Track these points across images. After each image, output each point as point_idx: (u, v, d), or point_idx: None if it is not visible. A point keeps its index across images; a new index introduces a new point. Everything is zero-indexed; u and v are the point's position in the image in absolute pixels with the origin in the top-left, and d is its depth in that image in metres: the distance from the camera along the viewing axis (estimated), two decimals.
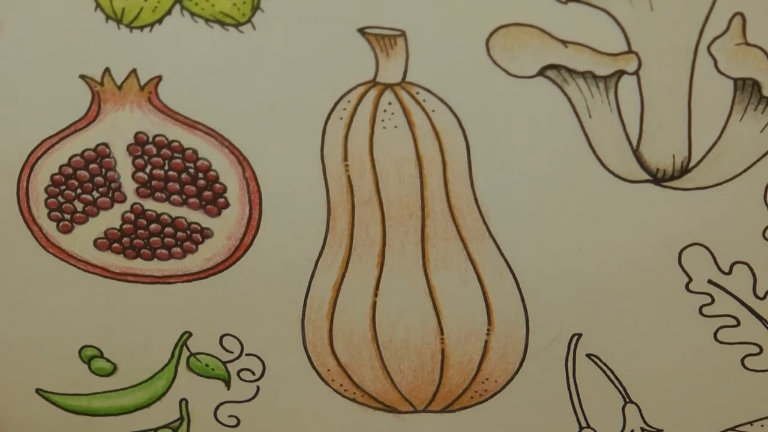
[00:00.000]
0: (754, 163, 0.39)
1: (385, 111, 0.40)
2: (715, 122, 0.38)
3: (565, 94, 0.39)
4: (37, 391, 0.46)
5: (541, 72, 0.38)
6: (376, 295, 0.43)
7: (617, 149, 0.39)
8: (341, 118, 0.40)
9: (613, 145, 0.39)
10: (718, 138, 0.39)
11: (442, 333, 0.44)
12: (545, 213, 0.41)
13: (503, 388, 0.44)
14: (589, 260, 0.42)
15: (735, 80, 0.37)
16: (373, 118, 0.40)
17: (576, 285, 0.42)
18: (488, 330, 0.43)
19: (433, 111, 0.40)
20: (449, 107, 0.40)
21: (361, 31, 0.38)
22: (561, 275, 0.42)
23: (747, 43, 0.37)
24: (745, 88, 0.37)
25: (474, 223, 0.42)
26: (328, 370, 0.45)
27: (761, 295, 0.41)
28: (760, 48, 0.37)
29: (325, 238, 0.42)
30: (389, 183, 0.41)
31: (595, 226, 0.41)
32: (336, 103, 0.40)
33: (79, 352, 0.45)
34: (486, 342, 0.44)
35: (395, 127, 0.40)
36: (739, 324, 0.42)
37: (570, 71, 0.38)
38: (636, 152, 0.39)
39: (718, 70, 0.37)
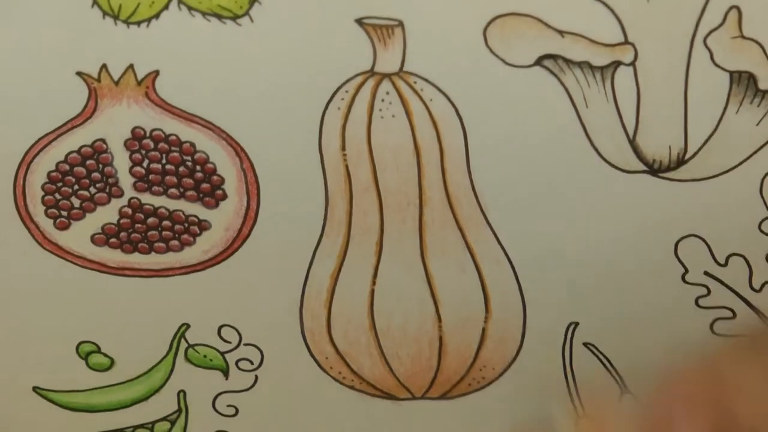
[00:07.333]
0: (750, 155, 0.41)
1: (382, 101, 0.42)
2: (711, 114, 0.40)
3: (562, 84, 0.40)
4: (34, 389, 0.47)
5: (538, 62, 0.40)
6: (374, 283, 0.45)
7: (613, 139, 0.41)
8: (339, 108, 0.42)
9: (610, 135, 0.41)
10: (714, 130, 0.41)
11: (439, 320, 0.46)
12: (542, 201, 0.43)
13: (501, 375, 0.46)
14: (585, 249, 0.43)
15: (731, 73, 0.39)
16: (370, 107, 0.42)
17: (573, 274, 0.44)
18: (486, 317, 0.46)
19: (431, 100, 0.42)
20: (447, 96, 0.42)
21: (359, 21, 0.40)
22: (558, 264, 0.44)
23: (743, 37, 0.39)
24: (741, 81, 0.39)
25: (472, 211, 0.44)
26: (326, 357, 0.47)
27: (757, 288, 0.43)
28: (756, 42, 0.39)
29: (323, 228, 0.44)
30: (387, 172, 0.43)
31: (591, 216, 0.43)
32: (334, 94, 0.42)
33: (77, 348, 0.47)
34: (483, 329, 0.46)
35: (393, 116, 0.42)
36: (735, 316, 0.44)
37: (567, 61, 0.40)
38: (632, 142, 0.41)
39: (714, 63, 0.39)
